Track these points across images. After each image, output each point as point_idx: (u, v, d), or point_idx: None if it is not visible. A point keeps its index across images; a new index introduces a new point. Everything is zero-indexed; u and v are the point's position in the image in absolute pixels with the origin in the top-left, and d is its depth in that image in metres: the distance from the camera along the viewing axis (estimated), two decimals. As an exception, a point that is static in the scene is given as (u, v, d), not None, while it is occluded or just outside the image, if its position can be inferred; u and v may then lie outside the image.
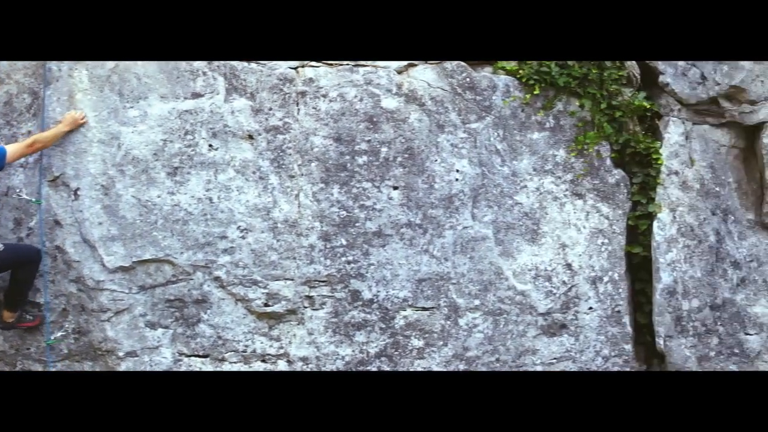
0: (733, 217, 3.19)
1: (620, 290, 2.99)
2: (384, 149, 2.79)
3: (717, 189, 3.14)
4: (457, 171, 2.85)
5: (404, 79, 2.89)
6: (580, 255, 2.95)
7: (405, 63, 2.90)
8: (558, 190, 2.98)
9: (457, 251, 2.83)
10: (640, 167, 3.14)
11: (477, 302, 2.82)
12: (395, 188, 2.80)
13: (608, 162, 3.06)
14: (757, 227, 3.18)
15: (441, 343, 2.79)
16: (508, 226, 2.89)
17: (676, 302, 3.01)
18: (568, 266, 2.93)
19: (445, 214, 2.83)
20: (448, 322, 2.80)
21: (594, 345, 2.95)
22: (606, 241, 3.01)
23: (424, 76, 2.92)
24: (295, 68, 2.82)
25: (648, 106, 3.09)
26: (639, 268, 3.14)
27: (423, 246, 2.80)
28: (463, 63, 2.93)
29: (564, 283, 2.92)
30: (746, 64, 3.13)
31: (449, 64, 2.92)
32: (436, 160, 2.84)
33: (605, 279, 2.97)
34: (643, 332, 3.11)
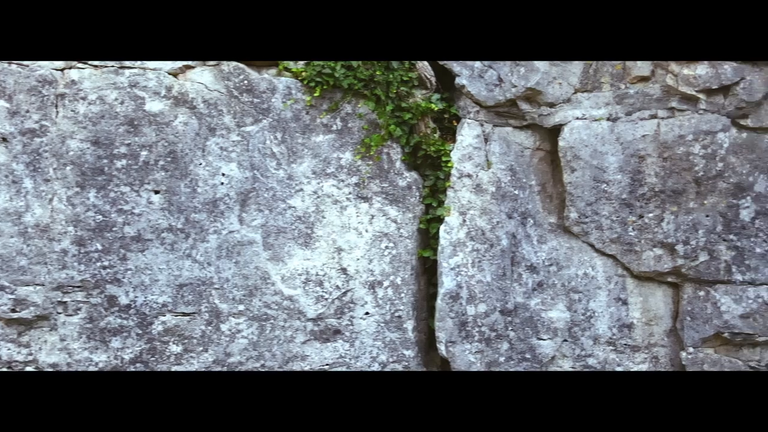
0: (533, 221, 3.15)
1: (402, 295, 2.95)
2: (144, 153, 2.75)
3: (515, 192, 3.10)
4: (223, 175, 2.81)
5: (177, 81, 2.85)
6: (357, 259, 2.91)
7: (180, 64, 2.85)
8: (339, 193, 2.94)
9: (221, 256, 2.79)
10: (432, 170, 3.10)
11: (241, 307, 2.79)
12: (156, 192, 2.76)
13: (398, 165, 3.02)
14: (558, 231, 3.14)
15: (201, 348, 2.76)
16: (279, 230, 2.85)
17: (459, 307, 2.97)
18: (343, 270, 2.89)
19: (209, 219, 2.79)
20: (209, 328, 2.77)
21: (370, 350, 2.91)
22: (391, 244, 2.97)
23: (202, 78, 2.87)
24: (61, 69, 2.77)
25: (436, 108, 3.04)
26: (433, 273, 3.11)
27: (185, 251, 2.76)
28: (240, 65, 2.88)
29: (337, 287, 2.88)
30: (541, 66, 3.08)
31: (226, 66, 2.88)
32: (200, 164, 2.80)
33: (385, 283, 2.93)
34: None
